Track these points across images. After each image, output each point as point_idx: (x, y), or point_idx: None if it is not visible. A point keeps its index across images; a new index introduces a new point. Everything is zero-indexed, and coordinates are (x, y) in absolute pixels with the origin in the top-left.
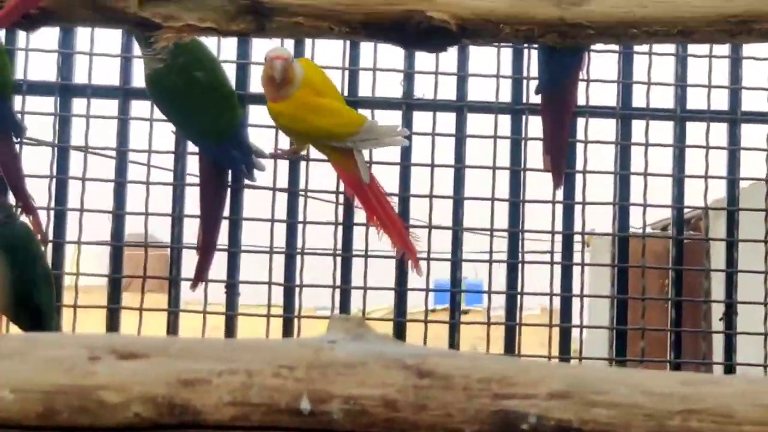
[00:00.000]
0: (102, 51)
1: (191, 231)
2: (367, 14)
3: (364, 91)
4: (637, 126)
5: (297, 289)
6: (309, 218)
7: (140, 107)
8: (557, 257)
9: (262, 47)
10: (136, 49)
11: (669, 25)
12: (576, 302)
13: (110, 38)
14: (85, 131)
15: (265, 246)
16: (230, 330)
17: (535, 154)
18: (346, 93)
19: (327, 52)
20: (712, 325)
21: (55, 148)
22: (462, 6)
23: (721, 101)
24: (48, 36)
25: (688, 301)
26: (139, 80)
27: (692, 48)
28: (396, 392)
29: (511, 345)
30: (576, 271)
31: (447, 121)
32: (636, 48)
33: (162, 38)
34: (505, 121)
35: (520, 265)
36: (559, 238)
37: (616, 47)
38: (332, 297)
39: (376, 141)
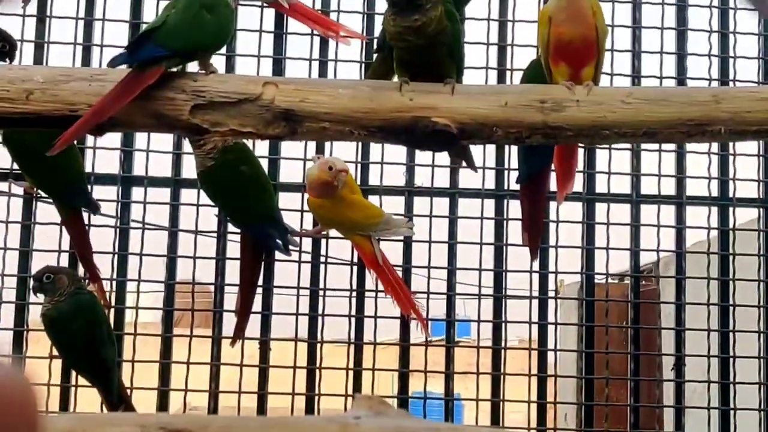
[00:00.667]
0: (156, 148)
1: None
2: (383, 120)
3: (373, 180)
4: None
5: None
6: (329, 284)
7: (189, 195)
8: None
9: (289, 145)
10: (185, 146)
11: (635, 128)
12: (550, 332)
13: (163, 136)
14: (143, 215)
15: (292, 309)
16: (263, 378)
17: (515, 233)
18: (359, 182)
19: (342, 148)
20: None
21: (117, 229)
22: (461, 112)
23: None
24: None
25: (645, 354)
26: (187, 172)
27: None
28: None
29: (497, 367)
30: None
31: (442, 204)
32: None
33: (210, 141)
34: (489, 205)
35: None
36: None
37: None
38: (348, 330)
39: (391, 231)
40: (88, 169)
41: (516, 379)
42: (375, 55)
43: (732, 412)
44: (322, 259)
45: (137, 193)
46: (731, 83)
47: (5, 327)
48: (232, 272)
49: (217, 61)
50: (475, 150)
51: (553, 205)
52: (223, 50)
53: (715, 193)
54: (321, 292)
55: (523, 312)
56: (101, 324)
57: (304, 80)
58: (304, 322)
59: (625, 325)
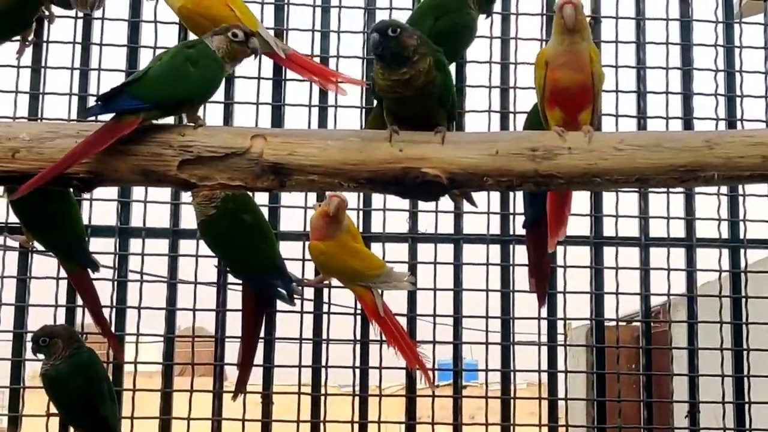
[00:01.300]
0: (154, 198)
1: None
2: (372, 172)
3: (375, 227)
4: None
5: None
6: (332, 334)
7: (188, 245)
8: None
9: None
10: (183, 197)
11: (628, 174)
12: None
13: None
14: (141, 266)
15: (295, 361)
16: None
17: (522, 279)
18: (361, 229)
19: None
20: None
21: (115, 282)
22: (451, 162)
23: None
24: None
25: (658, 402)
26: (186, 222)
27: None
28: None
29: (506, 415)
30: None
31: (446, 251)
32: None
33: (199, 195)
34: (495, 250)
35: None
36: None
37: None
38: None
39: (391, 284)
40: (84, 221)
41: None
42: (375, 101)
43: None
44: (325, 308)
45: (135, 244)
46: (738, 123)
47: (1, 384)
48: (234, 323)
49: (215, 109)
50: (480, 194)
51: (560, 249)
52: (221, 98)
53: (725, 234)
54: (324, 343)
55: (532, 356)
56: (101, 381)
57: (293, 132)
58: (308, 373)
59: (638, 372)
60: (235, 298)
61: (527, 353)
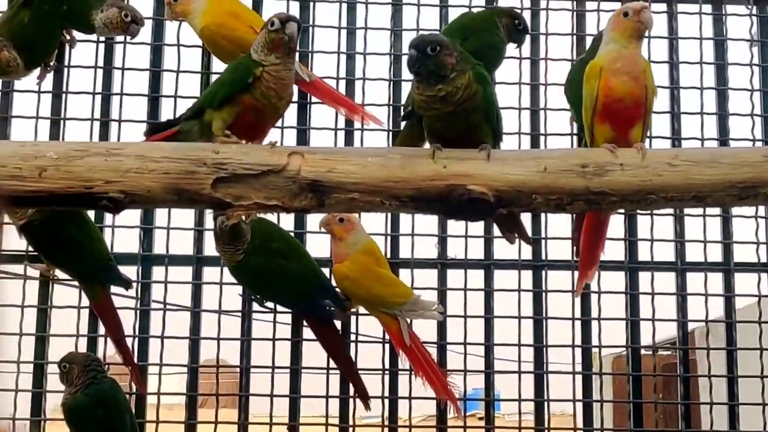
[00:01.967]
0: (177, 225)
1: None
2: (415, 189)
3: (404, 253)
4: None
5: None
6: (360, 363)
7: (212, 272)
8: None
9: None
10: (207, 222)
11: (684, 191)
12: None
13: (184, 212)
14: (164, 294)
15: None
16: None
17: (554, 304)
18: (389, 255)
19: (371, 219)
20: None
21: (138, 311)
22: (498, 179)
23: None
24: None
25: None
26: (210, 249)
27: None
28: None
29: None
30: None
31: (477, 277)
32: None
33: (233, 215)
34: (527, 276)
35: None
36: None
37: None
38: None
39: (418, 313)
40: None
41: None
42: (403, 123)
43: None
44: (353, 337)
45: (158, 272)
46: None
47: (22, 416)
48: (258, 353)
49: None
50: None
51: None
52: None
53: (764, 258)
54: None
55: (566, 384)
56: (123, 413)
57: (331, 149)
58: (335, 404)
59: (677, 401)
60: (259, 327)
61: (561, 381)
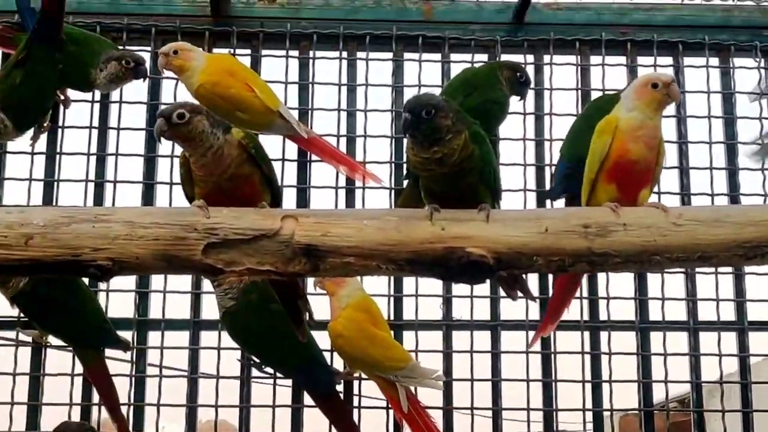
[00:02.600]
0: (173, 288)
1: None
2: (412, 252)
3: (408, 314)
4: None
5: None
6: (364, 429)
7: (209, 337)
8: None
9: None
10: (205, 285)
11: (689, 251)
12: None
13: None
14: (160, 360)
15: None
16: None
17: (564, 366)
18: (392, 317)
19: (373, 279)
20: None
21: (133, 377)
22: (497, 241)
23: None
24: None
25: None
26: (207, 313)
27: None
28: None
29: None
30: None
31: (483, 338)
32: None
33: (225, 281)
34: None
35: None
36: None
37: None
38: None
39: (416, 380)
40: None
41: None
42: (405, 181)
43: None
44: (355, 401)
45: (154, 337)
46: None
47: None
48: (257, 419)
49: None
50: None
51: (604, 335)
52: None
53: None
54: None
55: None
56: None
57: (326, 212)
58: None
59: None
60: (258, 392)
61: None
